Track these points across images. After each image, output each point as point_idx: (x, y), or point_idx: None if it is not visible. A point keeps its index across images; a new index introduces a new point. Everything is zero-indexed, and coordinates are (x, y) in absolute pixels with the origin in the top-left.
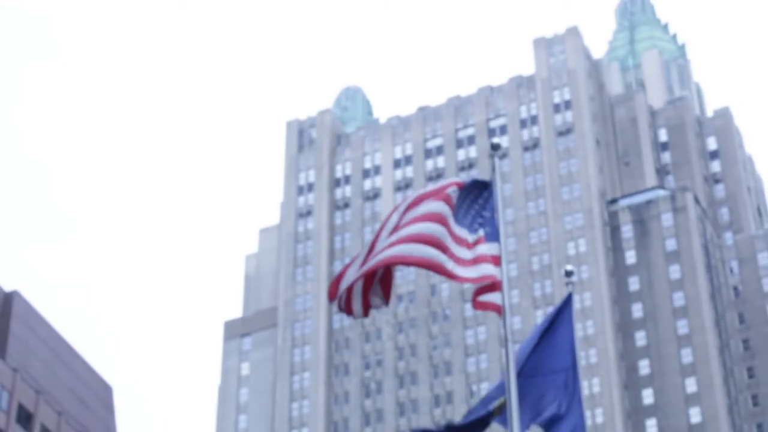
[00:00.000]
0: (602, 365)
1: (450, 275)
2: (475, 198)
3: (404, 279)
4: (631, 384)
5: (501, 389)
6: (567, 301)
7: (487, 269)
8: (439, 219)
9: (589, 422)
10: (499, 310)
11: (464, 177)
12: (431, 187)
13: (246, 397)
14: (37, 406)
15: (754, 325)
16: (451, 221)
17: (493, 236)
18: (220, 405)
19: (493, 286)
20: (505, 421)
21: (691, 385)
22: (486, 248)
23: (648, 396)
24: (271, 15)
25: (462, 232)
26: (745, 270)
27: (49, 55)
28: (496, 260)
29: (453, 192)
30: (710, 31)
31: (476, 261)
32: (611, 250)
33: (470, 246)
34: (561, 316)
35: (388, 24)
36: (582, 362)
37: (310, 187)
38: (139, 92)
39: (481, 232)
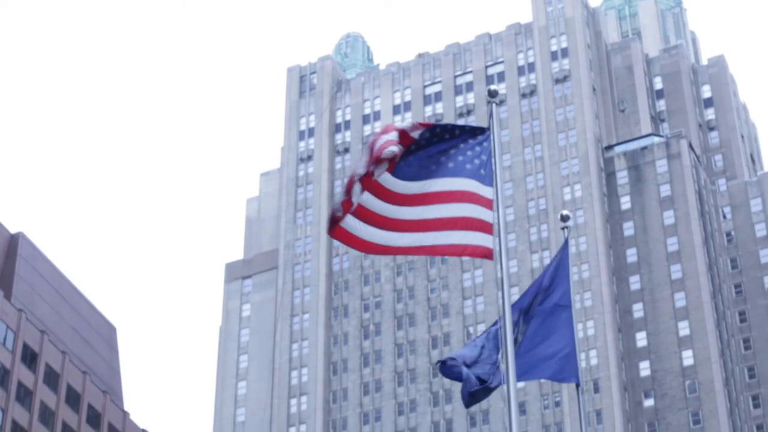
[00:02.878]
0: (597, 308)
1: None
2: (474, 144)
3: None
4: (625, 327)
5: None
6: (563, 246)
7: (476, 237)
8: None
9: (583, 364)
10: (490, 255)
11: (462, 123)
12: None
13: (247, 337)
14: (42, 346)
15: (746, 270)
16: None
17: (489, 180)
18: (222, 345)
19: (486, 229)
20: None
21: (683, 329)
22: (480, 191)
23: (641, 339)
24: None
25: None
26: (737, 216)
27: None
28: (490, 204)
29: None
30: None
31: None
32: (606, 195)
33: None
34: (558, 262)
35: None
36: (577, 305)
37: (311, 132)
38: (142, 35)
39: (473, 180)
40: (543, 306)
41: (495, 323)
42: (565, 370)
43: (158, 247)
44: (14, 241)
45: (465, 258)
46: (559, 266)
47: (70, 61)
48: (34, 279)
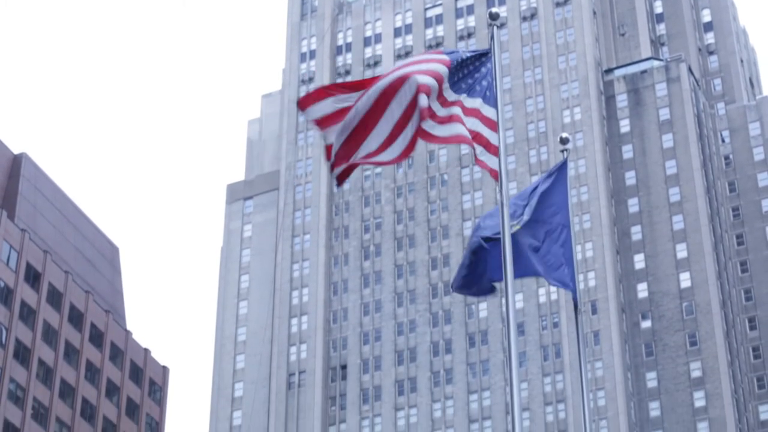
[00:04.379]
0: (595, 230)
1: (424, 135)
2: (476, 67)
3: None
4: (623, 249)
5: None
6: (562, 167)
7: (462, 129)
8: (437, 77)
9: (581, 285)
10: (495, 175)
11: (463, 46)
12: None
13: (248, 258)
14: (45, 266)
15: (744, 194)
16: (446, 83)
17: (491, 101)
18: (223, 265)
19: (490, 149)
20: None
21: (681, 251)
22: (485, 111)
23: (639, 261)
24: None
25: (455, 95)
26: (736, 140)
27: None
28: (494, 125)
29: (452, 58)
30: None
31: (453, 119)
32: (606, 118)
33: (464, 109)
34: (556, 180)
35: None
36: (575, 227)
37: (312, 54)
38: None
39: (478, 98)
40: (545, 219)
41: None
42: (565, 279)
43: (160, 169)
44: (17, 162)
45: (465, 180)
46: (558, 187)
47: None
48: (37, 199)
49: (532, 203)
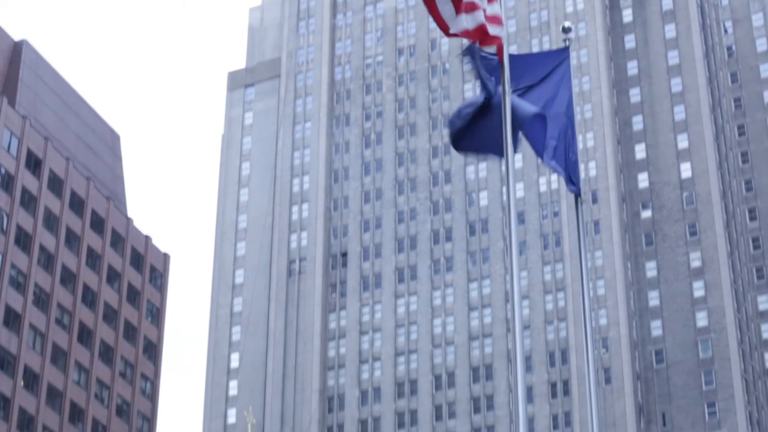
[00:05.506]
0: (596, 120)
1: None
2: None
3: (405, 33)
4: (624, 139)
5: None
6: (564, 56)
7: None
8: None
9: (582, 175)
10: (500, 44)
11: None
12: None
13: (249, 145)
14: (46, 153)
15: (746, 85)
16: None
17: None
18: (224, 153)
19: (494, 41)
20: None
21: (682, 141)
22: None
23: (640, 151)
24: None
25: None
26: (738, 30)
27: None
28: (498, 20)
29: None
30: None
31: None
32: (608, 8)
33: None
34: (558, 69)
35: None
36: (577, 117)
37: None
38: None
39: None
40: (547, 108)
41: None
42: (564, 166)
43: (162, 56)
44: (18, 49)
45: (466, 68)
46: (560, 75)
47: None
48: (37, 86)
49: (534, 93)
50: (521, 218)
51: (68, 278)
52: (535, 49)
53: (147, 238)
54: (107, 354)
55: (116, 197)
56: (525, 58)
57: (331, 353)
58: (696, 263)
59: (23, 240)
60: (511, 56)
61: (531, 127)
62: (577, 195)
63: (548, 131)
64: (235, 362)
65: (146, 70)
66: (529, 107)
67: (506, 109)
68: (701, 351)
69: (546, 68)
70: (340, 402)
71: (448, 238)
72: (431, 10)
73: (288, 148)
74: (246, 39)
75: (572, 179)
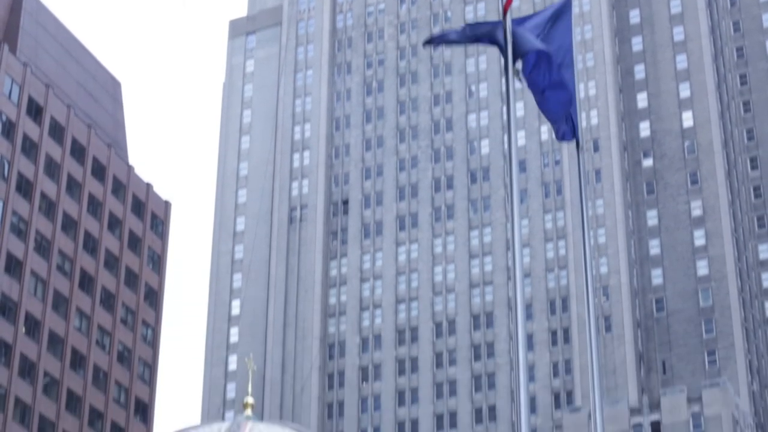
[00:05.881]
0: (598, 69)
1: None
2: None
3: None
4: (626, 88)
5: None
6: (567, 4)
7: None
8: None
9: (583, 124)
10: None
11: None
12: None
13: (250, 93)
14: (47, 100)
15: (749, 34)
16: None
17: None
18: (225, 101)
19: None
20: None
21: (684, 90)
22: None
23: (642, 100)
24: None
25: None
26: None
27: None
28: None
29: None
30: None
31: None
32: None
33: None
34: (560, 17)
35: None
36: (578, 66)
37: None
38: None
39: None
40: (548, 57)
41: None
42: (565, 124)
43: (163, 3)
44: None
45: (468, 17)
46: (562, 25)
47: None
48: (38, 33)
49: (537, 42)
50: (522, 166)
51: (69, 225)
52: (539, 8)
53: (148, 186)
54: (108, 301)
55: (117, 144)
56: (528, 19)
57: (332, 301)
58: (697, 212)
59: (24, 187)
60: (514, 20)
61: (533, 70)
62: (578, 143)
63: (550, 75)
64: (236, 309)
65: (147, 17)
66: (533, 40)
67: (507, 40)
68: (701, 299)
69: (549, 18)
70: (341, 349)
71: (449, 186)
72: None
73: (289, 95)
74: None
75: (569, 127)
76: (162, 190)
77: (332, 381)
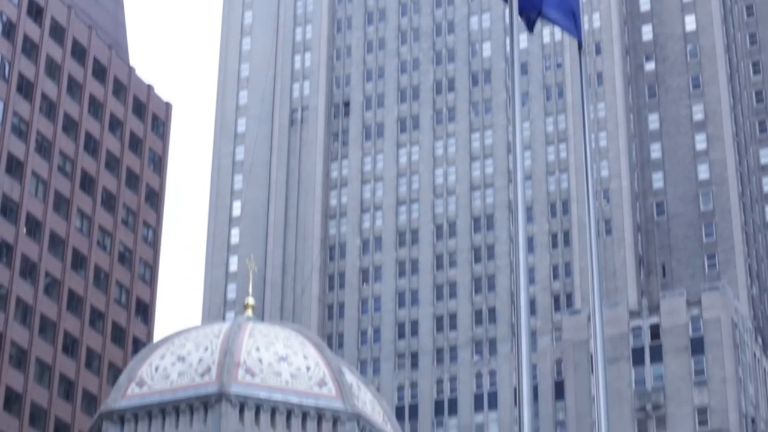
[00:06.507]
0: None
1: None
2: None
3: None
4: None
5: None
6: None
7: None
8: None
9: (586, 26)
10: None
11: None
12: None
13: None
14: (48, 0)
15: None
16: None
17: None
18: (227, 1)
19: None
20: None
21: None
22: None
23: (645, 2)
24: None
25: None
26: None
27: None
28: None
29: None
30: None
31: None
32: None
33: None
34: None
35: None
36: None
37: None
38: None
39: None
40: None
41: None
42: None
43: None
44: None
45: None
46: None
47: None
48: None
49: None
50: (524, 69)
51: (70, 126)
52: None
53: (149, 87)
54: (109, 201)
55: (118, 45)
56: None
57: (333, 202)
58: (698, 116)
59: (25, 87)
60: None
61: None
62: (580, 45)
63: None
64: (236, 210)
65: None
66: None
67: None
68: (702, 203)
69: None
70: (341, 250)
71: (451, 89)
72: None
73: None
74: None
75: (572, 23)
76: (163, 92)
77: (332, 282)
